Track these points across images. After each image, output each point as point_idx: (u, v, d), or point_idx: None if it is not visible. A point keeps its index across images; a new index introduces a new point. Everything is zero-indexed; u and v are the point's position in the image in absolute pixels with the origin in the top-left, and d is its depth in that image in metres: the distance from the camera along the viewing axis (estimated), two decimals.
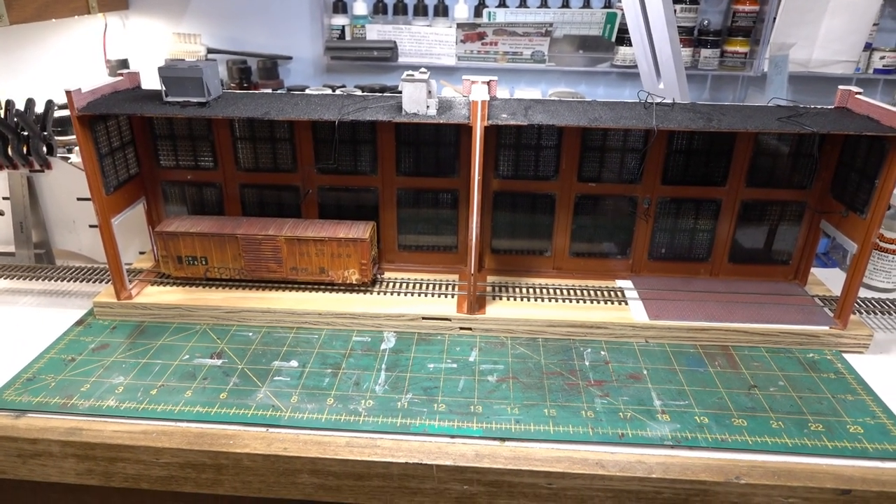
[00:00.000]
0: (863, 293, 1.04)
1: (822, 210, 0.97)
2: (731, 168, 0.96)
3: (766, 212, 0.99)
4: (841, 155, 0.93)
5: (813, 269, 1.04)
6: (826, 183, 0.96)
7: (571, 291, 0.98)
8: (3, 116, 1.00)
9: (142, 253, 1.10)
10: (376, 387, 0.80)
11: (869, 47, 1.90)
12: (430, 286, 0.98)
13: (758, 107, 0.88)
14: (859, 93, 0.88)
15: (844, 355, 0.88)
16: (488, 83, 0.90)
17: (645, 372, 0.84)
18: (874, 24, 1.85)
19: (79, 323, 0.93)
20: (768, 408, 0.78)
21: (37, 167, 1.04)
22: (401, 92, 0.83)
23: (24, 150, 1.03)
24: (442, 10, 2.05)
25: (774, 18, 1.43)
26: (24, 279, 1.04)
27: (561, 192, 0.99)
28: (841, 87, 0.91)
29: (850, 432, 0.74)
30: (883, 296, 1.03)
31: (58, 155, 1.06)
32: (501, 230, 1.03)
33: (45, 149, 1.03)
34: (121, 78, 0.93)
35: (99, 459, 0.73)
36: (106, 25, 2.04)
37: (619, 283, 1.01)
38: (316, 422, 0.74)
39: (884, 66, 1.91)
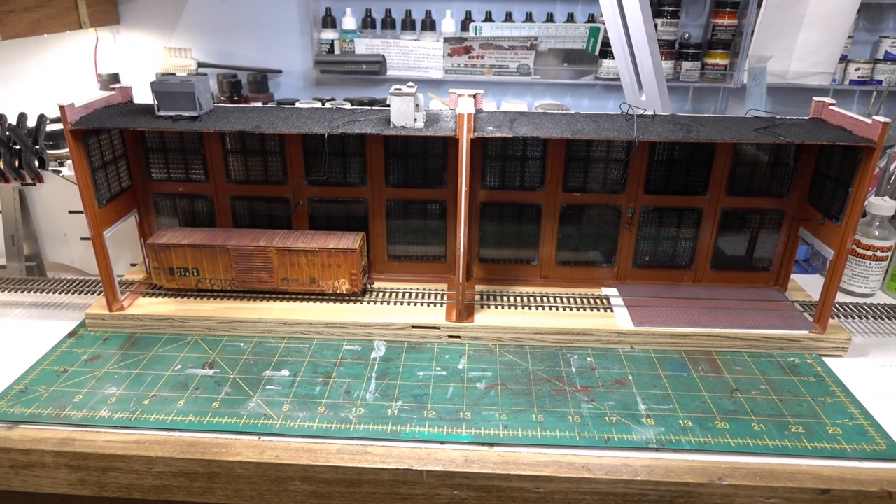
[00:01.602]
0: (842, 298, 1.07)
1: (800, 218, 0.99)
2: (711, 177, 0.99)
3: (747, 220, 1.02)
4: (816, 164, 0.96)
5: (793, 276, 1.06)
6: (803, 191, 0.98)
7: (558, 299, 0.99)
8: None
9: (133, 265, 1.11)
10: (367, 395, 0.81)
11: (844, 59, 1.95)
12: (420, 295, 1.00)
13: (735, 118, 0.91)
14: (833, 104, 0.91)
15: (824, 359, 0.91)
16: (474, 96, 0.92)
17: (630, 377, 0.86)
18: (849, 37, 1.90)
19: (71, 335, 0.94)
20: (750, 411, 0.79)
21: (28, 181, 1.05)
22: (389, 105, 0.85)
23: (16, 163, 1.04)
24: (429, 25, 2.08)
25: (753, 32, 1.47)
26: (16, 292, 1.04)
27: (547, 202, 1.01)
28: (815, 98, 0.93)
29: (829, 433, 0.76)
30: (861, 301, 1.05)
31: (49, 168, 1.07)
32: (489, 240, 1.04)
33: (37, 162, 1.04)
34: (113, 92, 0.94)
35: (91, 469, 0.73)
36: (97, 40, 2.06)
37: (605, 290, 1.03)
38: (307, 430, 0.75)
39: (859, 77, 1.96)
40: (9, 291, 1.04)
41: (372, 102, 1.97)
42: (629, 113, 0.89)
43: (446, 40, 2.03)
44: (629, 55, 1.21)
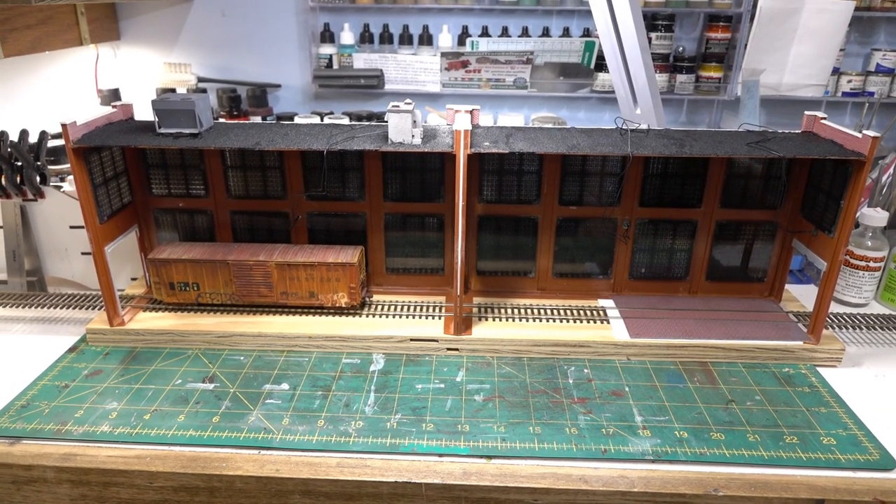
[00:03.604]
0: (835, 308, 1.08)
1: (793, 229, 1.00)
2: (705, 190, 1.00)
3: (741, 231, 1.03)
4: (809, 177, 0.97)
5: (788, 286, 1.07)
6: (796, 203, 1.00)
7: (555, 311, 1.00)
8: None
9: (133, 279, 1.12)
10: (366, 408, 0.82)
11: (836, 71, 1.98)
12: (418, 308, 1.01)
13: (728, 132, 0.92)
14: (824, 118, 0.92)
15: (818, 369, 0.92)
16: (471, 112, 0.93)
17: (626, 389, 0.86)
18: (841, 50, 1.93)
19: (72, 349, 0.94)
20: (745, 422, 0.80)
21: (30, 196, 1.06)
22: (387, 121, 0.86)
23: (18, 179, 1.05)
24: (426, 39, 2.10)
25: (746, 45, 1.49)
26: (17, 307, 1.05)
27: (543, 215, 1.02)
28: (807, 112, 0.95)
29: (823, 444, 0.77)
30: (855, 311, 1.06)
31: (51, 184, 1.08)
32: (486, 253, 1.05)
33: (38, 178, 1.05)
34: (115, 110, 0.95)
35: (93, 485, 0.74)
36: (98, 56, 2.08)
37: (602, 302, 1.04)
38: (307, 443, 0.76)
39: (851, 88, 1.99)
40: (10, 307, 1.05)
41: (370, 116, 1.98)
42: (623, 128, 0.90)
43: (443, 54, 2.05)
44: (623, 69, 1.22)
